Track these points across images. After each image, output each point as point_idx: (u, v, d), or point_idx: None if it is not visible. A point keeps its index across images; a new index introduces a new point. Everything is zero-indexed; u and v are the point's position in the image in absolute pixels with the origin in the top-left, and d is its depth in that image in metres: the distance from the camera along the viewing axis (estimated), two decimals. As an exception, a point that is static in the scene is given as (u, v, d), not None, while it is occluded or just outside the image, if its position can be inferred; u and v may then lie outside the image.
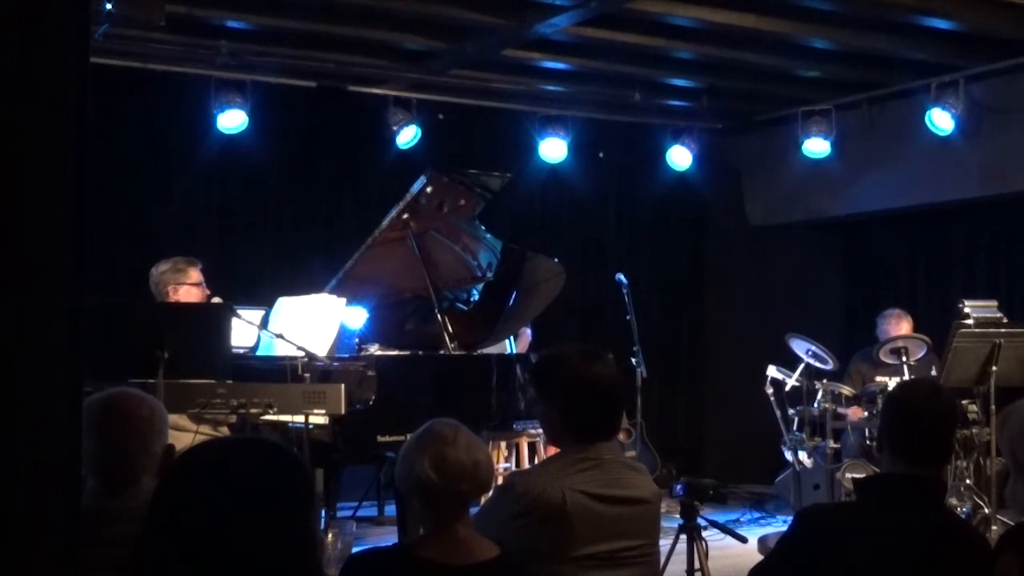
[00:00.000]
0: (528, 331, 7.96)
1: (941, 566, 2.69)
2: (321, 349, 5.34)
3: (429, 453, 2.56)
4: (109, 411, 2.75)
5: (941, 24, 7.28)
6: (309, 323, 5.53)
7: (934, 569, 2.69)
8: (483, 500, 2.96)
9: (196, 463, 1.75)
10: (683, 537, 4.17)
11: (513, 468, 7.60)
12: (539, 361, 3.42)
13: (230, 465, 1.71)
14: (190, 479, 1.71)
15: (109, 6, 5.89)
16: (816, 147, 8.94)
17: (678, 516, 4.14)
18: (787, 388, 7.60)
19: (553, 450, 3.69)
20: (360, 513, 7.64)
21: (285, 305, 5.81)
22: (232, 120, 7.86)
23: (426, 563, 2.52)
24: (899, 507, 2.73)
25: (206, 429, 5.10)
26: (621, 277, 8.26)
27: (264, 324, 5.68)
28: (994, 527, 6.21)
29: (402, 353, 5.82)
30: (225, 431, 5.17)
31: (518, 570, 2.66)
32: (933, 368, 7.15)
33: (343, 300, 5.64)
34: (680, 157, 9.50)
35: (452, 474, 2.55)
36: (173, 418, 4.67)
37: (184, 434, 4.95)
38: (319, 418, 5.04)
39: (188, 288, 5.41)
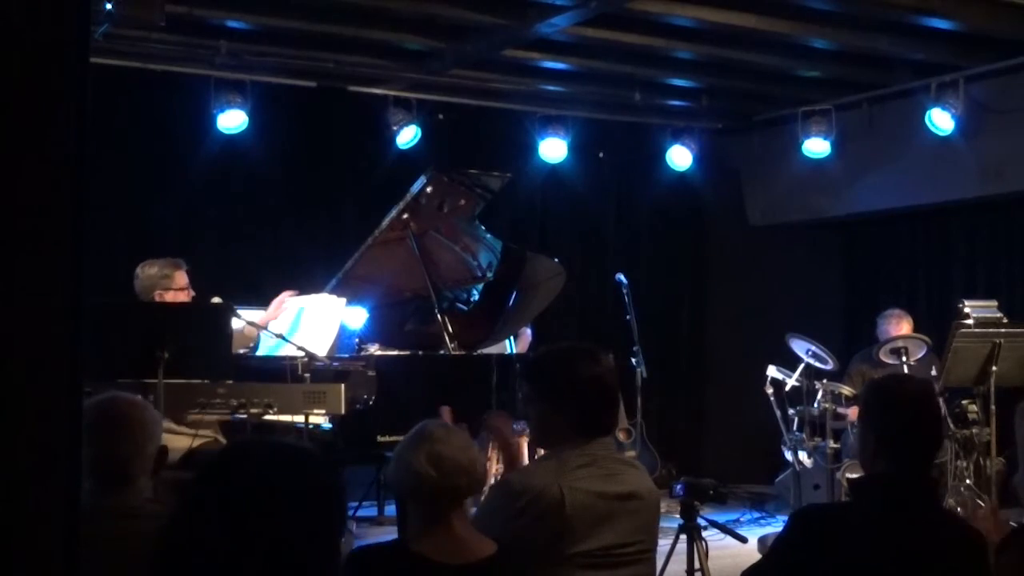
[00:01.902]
0: (528, 331, 7.96)
1: (937, 564, 2.69)
2: (321, 349, 5.34)
3: (425, 450, 2.61)
4: (103, 415, 2.78)
5: (941, 24, 7.28)
6: (310, 323, 5.53)
7: (931, 567, 2.69)
8: (481, 498, 2.98)
9: (233, 465, 1.73)
10: (683, 537, 4.18)
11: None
12: (535, 360, 3.41)
13: (267, 470, 1.69)
14: (227, 480, 1.69)
15: (109, 6, 5.89)
16: (816, 147, 8.94)
17: (678, 516, 4.14)
18: (787, 388, 7.60)
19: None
20: (360, 513, 7.64)
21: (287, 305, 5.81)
22: (232, 120, 7.86)
23: (425, 561, 2.53)
24: (894, 506, 2.73)
25: (205, 430, 5.12)
26: (621, 277, 8.26)
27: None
28: (994, 527, 6.20)
29: (402, 353, 5.82)
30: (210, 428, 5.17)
31: (515, 567, 2.66)
32: (933, 368, 7.15)
33: (343, 300, 5.65)
34: (680, 157, 9.50)
35: (449, 469, 2.60)
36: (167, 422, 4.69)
37: (180, 437, 4.96)
38: (319, 418, 5.06)
39: (174, 293, 5.35)
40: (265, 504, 1.64)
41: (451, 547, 2.55)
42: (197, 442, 4.99)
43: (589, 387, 3.02)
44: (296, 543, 1.64)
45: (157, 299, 5.33)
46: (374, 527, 7.45)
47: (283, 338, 5.31)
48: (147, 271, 5.43)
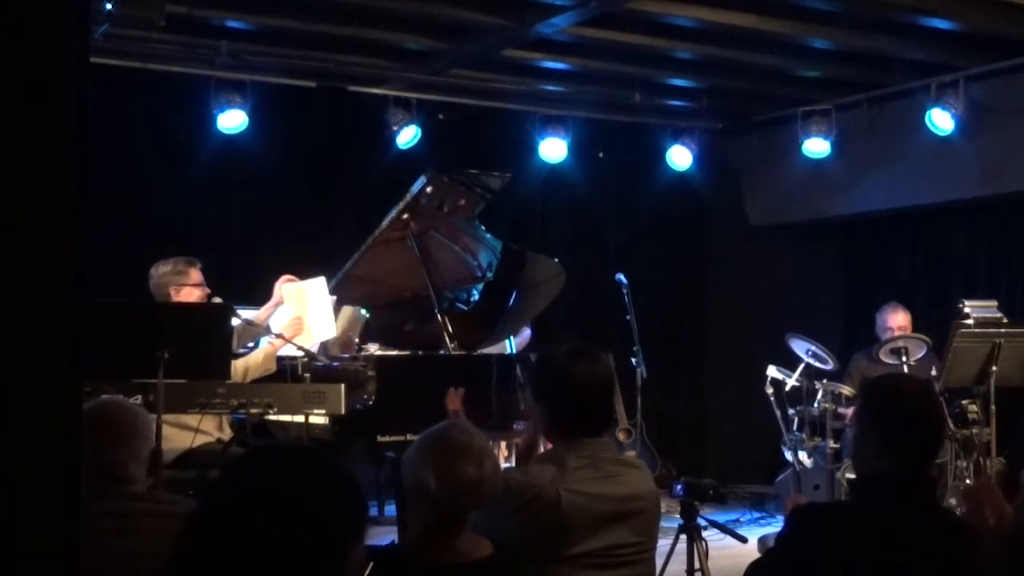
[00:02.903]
0: (527, 331, 7.96)
1: (936, 562, 2.69)
2: (328, 332, 5.38)
3: (436, 464, 2.54)
4: (96, 419, 2.84)
5: (941, 24, 7.28)
6: (307, 313, 5.56)
7: (929, 565, 2.69)
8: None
9: (255, 467, 1.75)
10: (683, 537, 4.18)
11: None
12: (535, 362, 3.45)
13: (287, 474, 1.70)
14: (249, 482, 1.70)
15: (109, 6, 5.89)
16: (816, 147, 8.93)
17: (678, 516, 4.14)
18: (787, 388, 7.60)
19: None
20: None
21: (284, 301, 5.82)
22: (232, 120, 7.85)
23: (421, 563, 2.52)
24: (894, 504, 2.73)
25: (208, 428, 5.13)
26: (621, 277, 8.26)
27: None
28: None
29: (402, 353, 5.82)
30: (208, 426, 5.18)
31: (511, 568, 2.66)
32: (933, 368, 7.15)
33: (322, 279, 5.67)
34: (680, 157, 9.50)
35: (455, 490, 2.54)
36: (171, 416, 4.71)
37: (185, 433, 4.98)
38: (319, 418, 5.06)
39: (189, 289, 5.44)
40: (284, 507, 1.65)
41: (448, 549, 2.55)
42: (198, 441, 5.01)
43: (573, 388, 3.02)
44: (314, 547, 1.64)
45: (173, 295, 5.39)
46: (374, 527, 7.45)
47: (281, 337, 5.32)
48: (161, 269, 5.48)
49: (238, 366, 5.17)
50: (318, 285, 5.65)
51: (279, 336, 5.32)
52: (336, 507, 1.70)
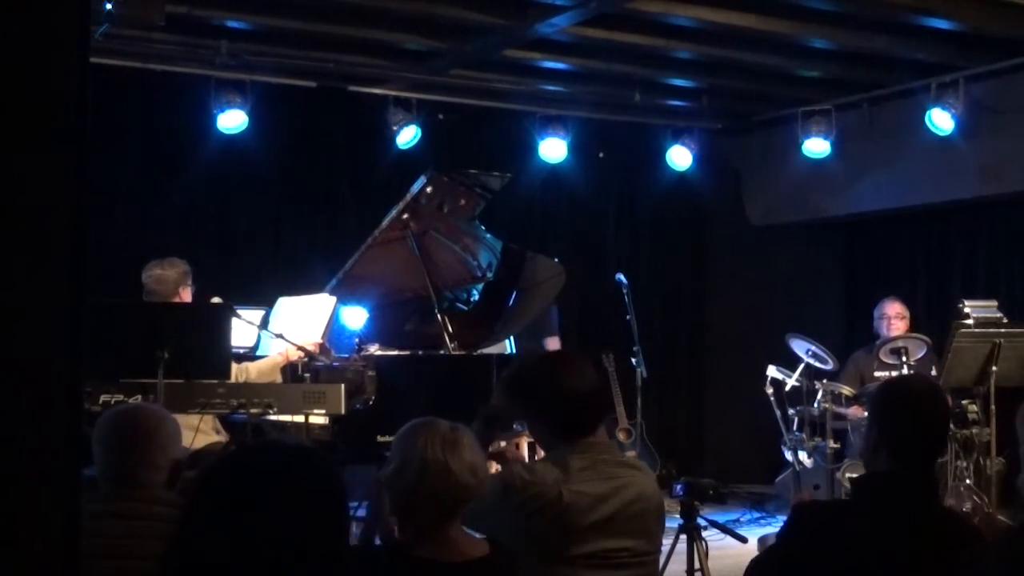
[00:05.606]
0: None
1: (937, 560, 2.69)
2: (313, 336, 5.40)
3: (430, 459, 2.54)
4: (118, 423, 2.87)
5: (941, 24, 7.28)
6: (303, 319, 5.57)
7: (929, 564, 2.69)
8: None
9: (237, 465, 1.75)
10: (683, 537, 4.18)
11: (513, 468, 7.59)
12: (514, 373, 3.33)
13: (270, 470, 1.71)
14: (231, 480, 1.71)
15: (109, 6, 5.89)
16: (816, 147, 8.93)
17: (678, 516, 4.14)
18: (787, 388, 7.60)
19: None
20: (359, 513, 7.62)
21: (285, 305, 5.83)
22: (232, 120, 7.85)
23: (417, 561, 2.52)
24: (894, 504, 2.73)
25: (207, 429, 5.13)
26: (621, 277, 8.26)
27: (264, 324, 5.70)
28: (994, 527, 6.21)
29: (402, 353, 5.82)
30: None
31: (508, 566, 2.65)
32: (933, 368, 7.15)
33: (334, 298, 5.67)
34: (680, 157, 9.49)
35: (451, 483, 2.54)
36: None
37: (186, 433, 4.98)
38: (319, 418, 5.07)
39: (189, 289, 5.50)
40: (269, 504, 1.65)
41: (444, 547, 2.55)
42: (201, 442, 5.01)
43: (574, 396, 3.01)
44: (301, 543, 1.64)
45: (182, 294, 5.41)
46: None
47: (281, 337, 5.33)
48: (177, 268, 5.50)
49: (250, 369, 5.21)
50: (329, 301, 5.68)
51: (279, 336, 5.33)
52: (314, 508, 1.70)
